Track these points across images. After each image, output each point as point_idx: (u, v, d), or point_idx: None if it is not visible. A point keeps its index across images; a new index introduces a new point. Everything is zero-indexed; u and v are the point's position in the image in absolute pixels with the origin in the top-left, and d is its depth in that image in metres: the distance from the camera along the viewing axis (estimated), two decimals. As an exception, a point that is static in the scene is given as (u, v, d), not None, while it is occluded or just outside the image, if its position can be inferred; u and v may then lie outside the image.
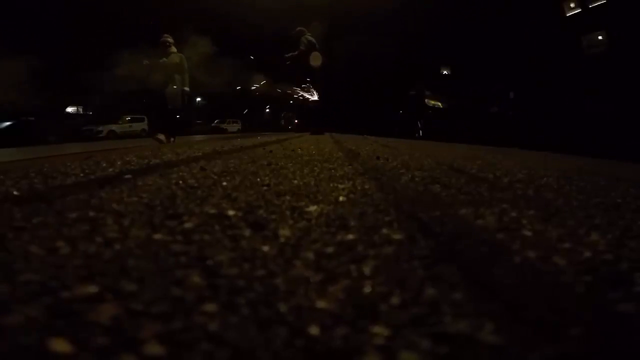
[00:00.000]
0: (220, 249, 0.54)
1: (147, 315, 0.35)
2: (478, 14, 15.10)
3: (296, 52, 6.72)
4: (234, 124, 26.05)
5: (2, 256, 0.49)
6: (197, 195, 0.90)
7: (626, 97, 10.36)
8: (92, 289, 0.40)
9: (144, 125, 18.49)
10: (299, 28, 7.11)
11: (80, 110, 20.95)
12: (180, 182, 1.07)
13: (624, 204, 0.99)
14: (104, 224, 0.64)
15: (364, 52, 19.20)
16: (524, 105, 14.19)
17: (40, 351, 0.29)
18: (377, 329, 0.34)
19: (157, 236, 0.59)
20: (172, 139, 5.51)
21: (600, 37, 12.55)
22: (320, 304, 0.39)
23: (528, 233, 0.66)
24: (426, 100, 16.33)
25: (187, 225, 0.65)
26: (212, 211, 0.74)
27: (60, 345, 0.30)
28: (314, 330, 0.34)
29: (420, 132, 15.55)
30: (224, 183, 1.07)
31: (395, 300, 0.40)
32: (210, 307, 0.37)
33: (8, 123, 13.02)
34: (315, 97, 7.17)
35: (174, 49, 5.62)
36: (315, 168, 1.46)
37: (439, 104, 16.72)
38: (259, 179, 1.15)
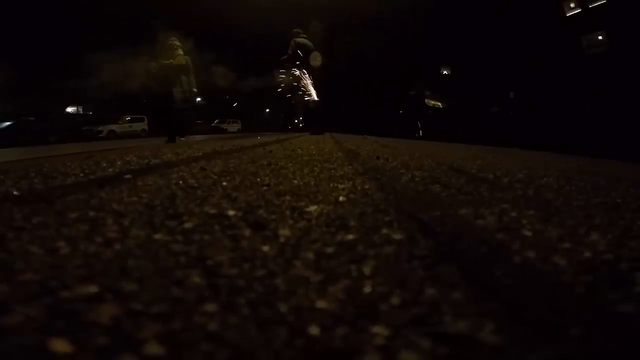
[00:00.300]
0: (220, 249, 0.54)
1: (147, 315, 0.35)
2: (478, 14, 15.10)
3: (286, 56, 6.86)
4: (234, 124, 26.06)
5: (2, 256, 0.49)
6: (197, 195, 0.90)
7: (626, 97, 10.36)
8: (92, 289, 0.40)
9: (144, 125, 18.50)
10: (294, 30, 7.16)
11: (80, 110, 20.95)
12: (180, 182, 1.07)
13: (624, 204, 0.99)
14: (104, 224, 0.64)
15: (364, 52, 19.20)
16: (524, 105, 14.19)
17: (40, 351, 0.29)
18: (377, 329, 0.34)
19: (157, 236, 0.59)
20: (182, 139, 5.74)
21: (600, 37, 12.55)
22: (320, 304, 0.39)
23: (528, 233, 0.66)
24: (426, 100, 16.31)
25: (187, 225, 0.65)
26: (212, 211, 0.74)
27: (60, 345, 0.30)
28: (314, 330, 0.34)
29: (420, 132, 15.54)
30: (224, 183, 1.07)
31: (395, 300, 0.40)
32: (210, 307, 0.37)
33: (8, 123, 13.03)
34: (315, 97, 7.19)
35: (180, 51, 5.80)
36: (315, 168, 1.46)
37: (439, 104, 16.70)
38: (259, 179, 1.15)
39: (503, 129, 12.19)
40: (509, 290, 0.43)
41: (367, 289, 0.43)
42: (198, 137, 8.05)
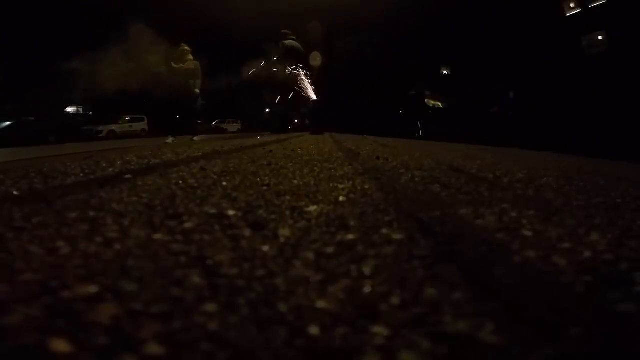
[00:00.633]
0: (220, 249, 0.54)
1: (147, 315, 0.35)
2: (478, 14, 15.10)
3: (276, 58, 6.96)
4: (234, 124, 26.03)
5: (2, 256, 0.49)
6: (197, 195, 0.90)
7: (626, 97, 10.36)
8: (92, 289, 0.40)
9: (144, 125, 18.50)
10: (282, 31, 7.20)
11: (80, 110, 20.95)
12: (180, 182, 1.07)
13: (624, 204, 0.99)
14: (104, 224, 0.64)
15: (364, 52, 19.20)
16: (524, 105, 14.19)
17: (40, 351, 0.29)
18: (377, 329, 0.34)
19: (157, 236, 0.59)
20: (193, 138, 6.07)
21: (600, 37, 12.56)
22: (320, 304, 0.39)
23: (528, 233, 0.66)
24: (426, 100, 16.32)
25: (187, 225, 0.65)
26: (212, 211, 0.74)
27: (60, 345, 0.30)
28: (314, 330, 0.34)
29: (420, 132, 15.54)
30: (224, 183, 1.07)
31: (395, 300, 0.40)
32: (210, 307, 0.37)
33: (8, 123, 13.02)
34: (313, 97, 7.21)
35: (190, 57, 6.23)
36: (315, 168, 1.46)
37: (439, 104, 16.71)
38: (259, 179, 1.15)
39: (503, 129, 12.19)
40: (509, 290, 0.43)
41: (367, 289, 0.43)
42: (197, 137, 8.06)
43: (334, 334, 0.33)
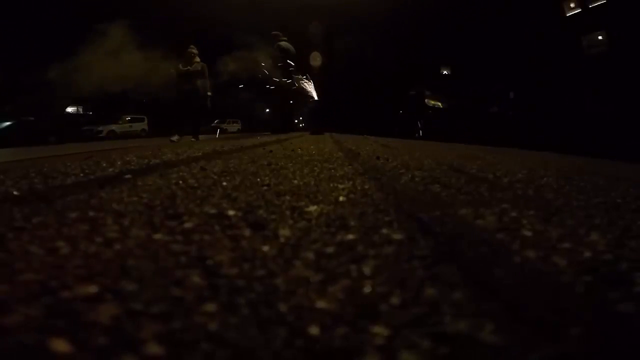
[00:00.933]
0: (220, 249, 0.54)
1: (147, 315, 0.35)
2: (478, 14, 15.10)
3: (271, 59, 7.01)
4: (234, 124, 26.03)
5: (2, 256, 0.49)
6: (197, 195, 0.90)
7: (626, 97, 10.36)
8: (92, 289, 0.40)
9: (144, 125, 18.51)
10: (273, 32, 7.22)
11: (81, 110, 20.94)
12: (180, 182, 1.07)
13: (624, 204, 0.99)
14: (104, 224, 0.64)
15: (364, 52, 19.20)
16: (524, 105, 14.19)
17: (40, 351, 0.29)
18: (377, 329, 0.34)
19: (157, 236, 0.59)
20: (197, 138, 6.19)
21: (600, 37, 12.56)
22: (320, 304, 0.39)
23: (528, 233, 0.66)
24: (426, 100, 16.30)
25: (187, 225, 0.65)
26: (212, 211, 0.74)
27: (60, 345, 0.30)
28: (314, 330, 0.34)
29: (420, 132, 15.53)
30: (224, 183, 1.07)
31: (395, 300, 0.40)
32: (210, 307, 0.37)
33: (8, 123, 13.02)
34: (315, 96, 7.23)
35: (197, 59, 6.39)
36: (315, 168, 1.46)
37: (439, 104, 16.69)
38: (259, 179, 1.15)
39: (503, 128, 12.19)
40: (509, 290, 0.43)
41: (367, 289, 0.43)
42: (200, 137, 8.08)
43: (334, 334, 0.33)
